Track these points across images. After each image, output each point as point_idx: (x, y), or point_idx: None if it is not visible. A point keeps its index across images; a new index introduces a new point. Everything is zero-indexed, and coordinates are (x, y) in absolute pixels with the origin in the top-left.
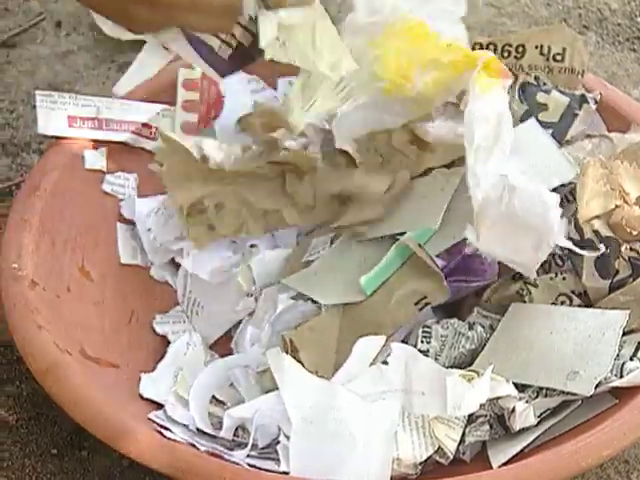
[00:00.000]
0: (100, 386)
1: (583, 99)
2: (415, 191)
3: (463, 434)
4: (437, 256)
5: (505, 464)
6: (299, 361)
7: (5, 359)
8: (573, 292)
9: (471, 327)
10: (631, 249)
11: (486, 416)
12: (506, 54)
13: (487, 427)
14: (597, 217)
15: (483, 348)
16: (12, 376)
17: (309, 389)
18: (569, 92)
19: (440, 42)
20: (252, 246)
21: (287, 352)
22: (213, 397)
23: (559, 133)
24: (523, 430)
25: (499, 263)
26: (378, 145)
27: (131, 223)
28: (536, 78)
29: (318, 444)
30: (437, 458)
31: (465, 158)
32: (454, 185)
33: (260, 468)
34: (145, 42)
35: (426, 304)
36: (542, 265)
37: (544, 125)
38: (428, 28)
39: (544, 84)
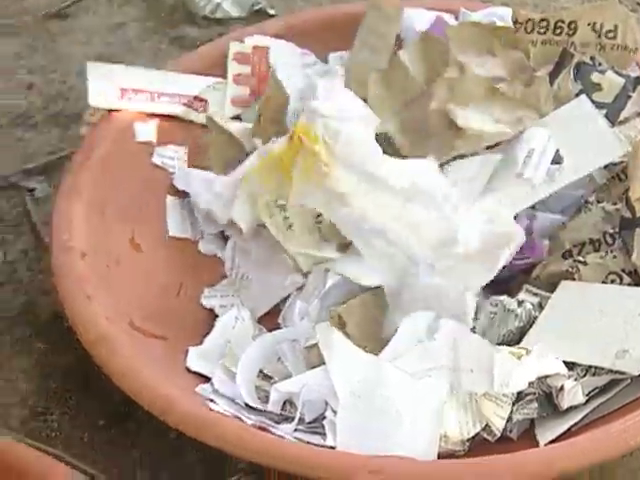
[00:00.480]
0: (148, 358)
1: (638, 81)
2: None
3: (511, 412)
4: None
5: (552, 442)
6: (347, 336)
7: (55, 330)
8: (623, 270)
9: (520, 304)
10: None
11: (534, 394)
12: (558, 31)
13: (535, 405)
14: None
15: (531, 326)
16: (61, 347)
17: (357, 364)
18: (625, 73)
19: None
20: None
21: (335, 327)
22: (260, 371)
23: (612, 114)
24: (571, 408)
25: (550, 240)
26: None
27: (181, 195)
28: (592, 58)
29: (365, 419)
30: (484, 435)
31: None
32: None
33: (307, 442)
34: None
35: None
36: (592, 243)
37: (597, 105)
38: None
39: (599, 64)
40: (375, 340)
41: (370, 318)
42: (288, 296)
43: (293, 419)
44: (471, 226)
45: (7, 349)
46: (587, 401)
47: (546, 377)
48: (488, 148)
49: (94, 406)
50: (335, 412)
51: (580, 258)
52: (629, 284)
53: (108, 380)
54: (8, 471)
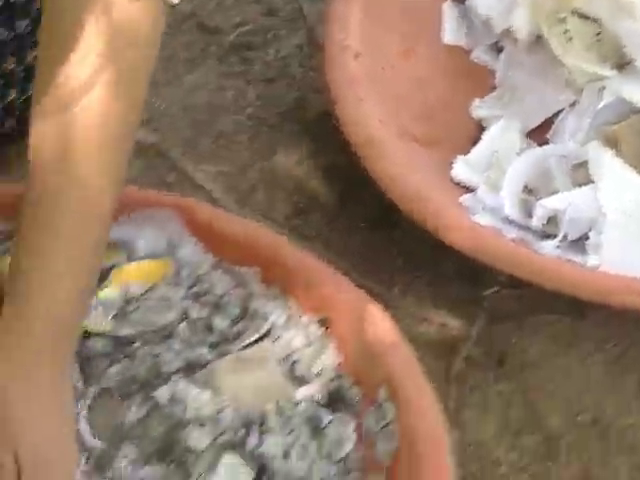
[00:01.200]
0: (416, 164)
1: None
2: None
3: None
4: None
5: None
6: (619, 156)
7: (322, 128)
8: None
9: None
10: None
11: None
12: None
13: None
14: None
15: None
16: (328, 146)
17: (629, 185)
18: None
19: None
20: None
21: (607, 147)
22: (525, 186)
23: None
24: None
25: None
26: None
27: (459, 2)
28: None
29: (634, 240)
30: None
31: None
32: None
33: (568, 260)
34: None
35: None
36: None
37: None
38: None
39: None
40: None
41: None
42: (559, 112)
43: (555, 236)
44: None
45: (277, 143)
46: None
47: None
48: None
49: (357, 210)
50: (600, 233)
51: None
52: None
53: (373, 184)
54: (272, 266)
